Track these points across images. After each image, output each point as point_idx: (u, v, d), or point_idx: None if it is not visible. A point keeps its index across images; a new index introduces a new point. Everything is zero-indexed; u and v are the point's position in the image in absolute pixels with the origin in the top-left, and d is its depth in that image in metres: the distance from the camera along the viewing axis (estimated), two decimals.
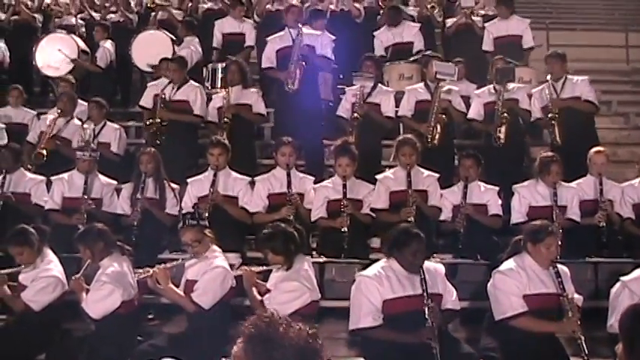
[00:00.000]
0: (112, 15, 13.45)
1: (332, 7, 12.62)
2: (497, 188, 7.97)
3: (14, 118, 10.44)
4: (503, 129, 8.96)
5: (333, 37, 10.14)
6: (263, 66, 9.99)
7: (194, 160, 9.48)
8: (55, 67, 11.62)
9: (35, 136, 9.65)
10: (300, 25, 9.66)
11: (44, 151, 9.24)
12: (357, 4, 12.68)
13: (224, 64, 10.32)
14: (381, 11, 12.47)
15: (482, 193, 7.89)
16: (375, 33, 11.73)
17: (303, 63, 9.37)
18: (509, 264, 5.95)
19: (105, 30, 12.51)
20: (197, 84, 9.85)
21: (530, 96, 9.45)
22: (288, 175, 7.88)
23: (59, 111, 9.64)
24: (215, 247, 6.45)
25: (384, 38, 11.59)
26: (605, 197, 7.88)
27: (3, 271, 6.67)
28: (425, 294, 5.54)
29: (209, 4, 13.32)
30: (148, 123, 9.59)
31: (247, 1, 12.98)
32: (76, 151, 8.87)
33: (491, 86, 9.50)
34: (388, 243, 5.86)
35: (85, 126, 9.57)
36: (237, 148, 8.37)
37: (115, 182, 8.53)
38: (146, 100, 9.90)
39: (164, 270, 6.23)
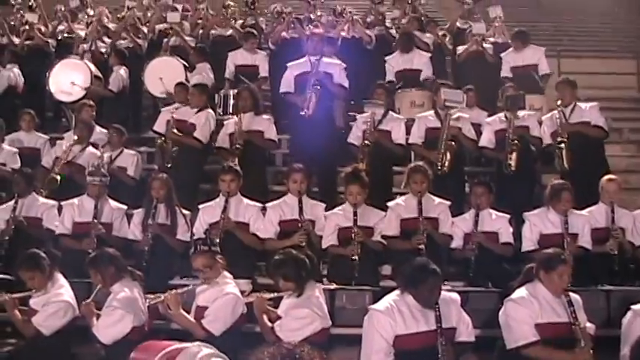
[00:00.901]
0: (122, 41, 13.53)
1: (343, 33, 12.74)
2: (508, 216, 7.95)
3: (26, 143, 10.49)
4: (514, 156, 8.97)
5: (344, 65, 10.18)
6: (281, 91, 9.98)
7: (203, 186, 9.51)
8: (67, 92, 11.65)
9: (50, 161, 9.69)
10: (321, 52, 9.71)
11: (58, 177, 9.28)
12: (367, 31, 12.77)
13: (236, 91, 10.38)
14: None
15: (494, 220, 7.88)
16: (386, 58, 11.77)
17: (319, 87, 9.39)
18: (521, 292, 5.90)
19: (120, 56, 12.60)
20: (210, 110, 9.90)
21: (541, 123, 9.46)
22: (300, 201, 7.89)
23: (76, 138, 9.70)
24: (226, 273, 6.45)
25: (394, 63, 11.66)
26: (617, 225, 7.84)
27: (14, 295, 6.66)
28: (439, 331, 5.44)
29: (219, 31, 13.43)
30: (158, 142, 9.70)
31: (259, 31, 13.10)
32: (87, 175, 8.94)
33: (502, 114, 9.52)
34: (404, 278, 5.70)
35: (103, 151, 9.63)
36: (249, 175, 8.39)
37: (125, 207, 8.54)
38: (160, 125, 9.97)
39: (175, 296, 6.23)
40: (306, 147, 9.31)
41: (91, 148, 9.83)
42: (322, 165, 8.90)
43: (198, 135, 9.61)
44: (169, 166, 9.45)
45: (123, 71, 12.31)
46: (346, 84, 9.84)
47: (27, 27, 13.37)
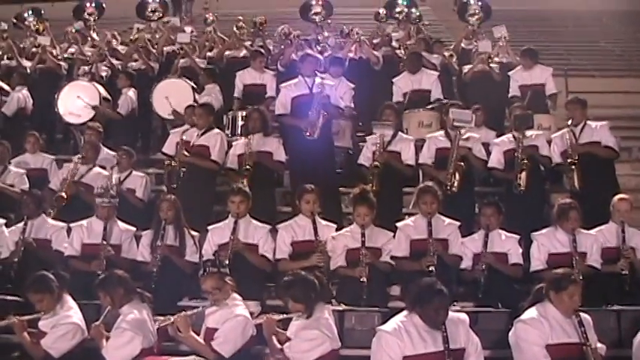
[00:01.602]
0: (134, 63, 13.60)
1: (351, 54, 12.78)
2: (517, 237, 7.92)
3: (32, 164, 10.49)
4: (523, 176, 8.95)
5: (352, 85, 10.20)
6: (277, 112, 9.96)
7: (212, 208, 9.51)
8: (76, 114, 11.72)
9: (57, 183, 9.68)
10: (317, 74, 9.70)
11: (65, 194, 9.31)
12: (375, 52, 12.80)
13: (244, 112, 10.41)
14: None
15: (503, 241, 7.85)
16: (394, 79, 11.78)
17: (325, 113, 9.41)
18: (531, 313, 5.88)
19: (129, 78, 12.65)
20: (219, 131, 9.92)
21: (549, 142, 9.45)
22: (314, 222, 7.91)
23: (81, 157, 9.74)
24: (235, 294, 6.45)
25: (402, 84, 11.63)
26: (628, 245, 7.79)
27: (23, 318, 6.65)
28: (446, 352, 5.43)
29: (232, 52, 13.49)
30: (166, 163, 9.72)
31: (267, 52, 13.16)
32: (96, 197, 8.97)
33: (510, 134, 9.51)
34: (410, 297, 5.70)
35: (111, 173, 9.65)
36: (258, 196, 8.37)
37: (133, 228, 8.55)
38: (169, 147, 10.01)
39: (184, 317, 6.23)
40: (305, 168, 9.32)
41: (97, 168, 9.88)
42: (323, 186, 8.84)
43: (215, 157, 9.59)
44: (174, 187, 9.47)
45: (132, 93, 12.36)
46: (348, 102, 9.84)
47: (39, 50, 13.42)
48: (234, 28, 14.53)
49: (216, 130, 9.86)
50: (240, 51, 13.62)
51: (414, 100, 11.40)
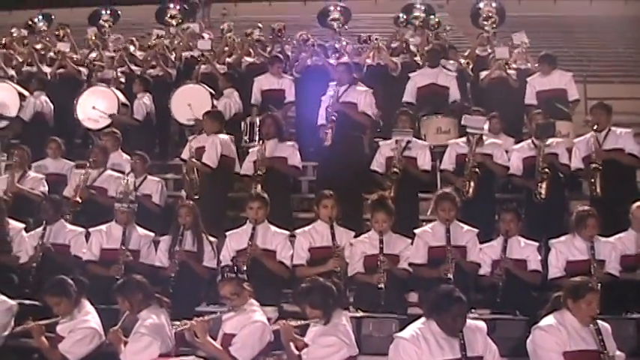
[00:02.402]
0: (152, 70, 13.65)
1: (369, 60, 12.77)
2: (537, 244, 7.91)
3: (52, 169, 10.54)
4: (544, 184, 8.93)
5: (371, 90, 10.21)
6: (319, 123, 10.04)
7: (230, 213, 9.54)
8: (94, 119, 11.78)
9: (71, 191, 9.71)
10: (349, 82, 9.79)
11: (79, 199, 9.37)
12: (393, 58, 12.78)
13: (260, 118, 10.43)
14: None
15: (522, 248, 7.82)
16: (411, 74, 11.74)
17: (334, 118, 9.45)
18: (548, 320, 5.86)
19: (143, 83, 12.70)
20: (222, 136, 9.89)
21: (569, 150, 9.41)
22: (332, 227, 7.90)
23: (91, 161, 9.82)
24: (253, 300, 6.44)
25: (419, 79, 11.52)
26: None
27: (40, 322, 6.68)
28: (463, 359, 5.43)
29: (252, 59, 13.51)
30: (184, 170, 9.81)
31: (285, 58, 13.17)
32: (112, 199, 9.06)
33: (530, 141, 9.48)
34: (428, 304, 5.70)
35: (128, 178, 9.70)
36: (273, 201, 8.34)
37: (152, 234, 8.60)
38: (187, 153, 10.01)
39: (202, 323, 6.23)
40: (331, 175, 9.33)
41: (109, 171, 9.96)
42: (347, 193, 8.85)
43: (205, 160, 9.62)
44: (197, 197, 9.46)
45: (147, 99, 12.39)
46: (370, 111, 9.84)
47: (59, 56, 13.49)
48: (245, 36, 14.52)
49: (220, 136, 9.85)
50: (259, 58, 13.62)
51: (429, 94, 11.31)
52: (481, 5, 14.01)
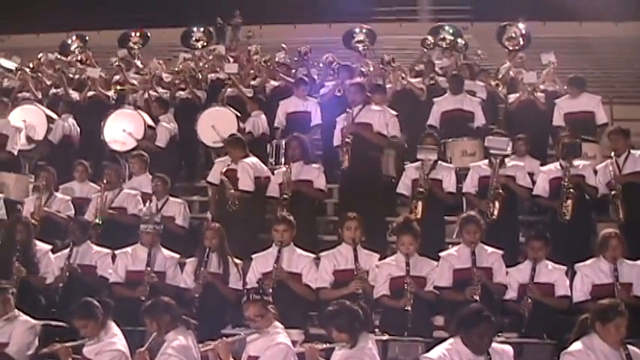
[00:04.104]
0: (181, 92, 13.73)
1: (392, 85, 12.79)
2: (564, 268, 7.82)
3: (78, 193, 10.65)
4: (569, 203, 8.87)
5: (395, 113, 10.20)
6: (335, 144, 10.13)
7: (258, 236, 9.56)
8: (121, 141, 11.86)
9: (91, 216, 9.80)
10: (362, 102, 9.77)
11: (99, 221, 9.48)
12: (418, 84, 12.78)
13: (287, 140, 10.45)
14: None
15: (550, 271, 7.74)
16: (435, 99, 11.75)
17: (348, 141, 9.46)
18: (577, 345, 5.80)
19: (162, 106, 12.76)
20: (250, 159, 9.93)
21: (596, 172, 9.36)
22: (355, 249, 7.87)
23: (105, 184, 9.95)
24: (277, 323, 6.44)
25: (444, 103, 11.60)
26: None
27: (67, 344, 6.70)
28: None
29: (277, 83, 13.55)
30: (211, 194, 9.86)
31: (311, 80, 13.20)
32: (133, 217, 9.27)
33: (557, 163, 9.44)
34: (456, 321, 5.69)
35: (150, 201, 9.76)
36: (298, 224, 8.34)
37: (177, 256, 8.62)
38: (214, 176, 10.06)
39: (226, 344, 6.23)
40: (350, 196, 9.32)
41: (125, 190, 10.06)
42: (368, 214, 8.82)
43: (241, 186, 9.62)
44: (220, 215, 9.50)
45: (166, 122, 12.42)
46: (385, 131, 9.83)
47: (89, 82, 13.61)
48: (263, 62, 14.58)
49: (247, 160, 9.87)
50: (281, 81, 13.65)
51: (454, 119, 11.38)
52: (509, 25, 14.06)
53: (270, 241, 8.26)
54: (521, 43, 14.48)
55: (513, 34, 14.41)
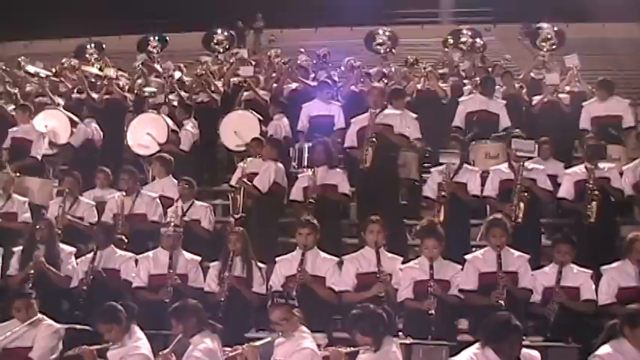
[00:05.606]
0: (199, 95, 13.74)
1: (418, 86, 12.76)
2: (590, 272, 7.75)
3: (100, 199, 10.61)
4: (594, 206, 8.82)
5: (415, 116, 10.17)
6: (345, 145, 10.14)
7: (280, 239, 9.56)
8: (145, 145, 11.89)
9: (109, 219, 9.80)
10: (382, 106, 9.76)
11: (124, 237, 9.42)
12: (442, 85, 12.75)
13: (310, 144, 10.44)
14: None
15: (576, 275, 7.69)
16: (460, 99, 11.69)
17: (374, 141, 9.40)
18: (605, 349, 5.76)
19: (186, 110, 12.76)
20: (278, 164, 10.02)
21: (621, 173, 9.29)
22: (377, 252, 7.83)
23: (124, 190, 9.97)
24: (303, 327, 6.42)
25: (469, 104, 11.59)
26: None
27: (91, 347, 6.69)
28: None
29: (294, 85, 13.55)
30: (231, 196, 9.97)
31: (333, 83, 13.19)
32: (153, 223, 9.26)
33: (582, 165, 9.39)
34: (485, 332, 5.61)
35: (175, 204, 9.78)
36: (323, 228, 8.30)
37: (198, 258, 8.63)
38: (237, 178, 10.08)
39: (253, 348, 6.20)
40: (372, 198, 9.30)
41: (143, 193, 10.04)
42: (389, 217, 8.79)
43: (257, 183, 9.76)
44: (237, 216, 9.54)
45: (190, 126, 12.40)
46: (407, 132, 9.80)
47: (106, 81, 13.65)
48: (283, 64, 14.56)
49: (275, 163, 9.95)
50: (299, 84, 13.64)
51: (479, 120, 11.36)
52: (543, 26, 13.97)
53: (289, 244, 8.26)
54: (555, 43, 14.35)
55: (548, 36, 14.29)
